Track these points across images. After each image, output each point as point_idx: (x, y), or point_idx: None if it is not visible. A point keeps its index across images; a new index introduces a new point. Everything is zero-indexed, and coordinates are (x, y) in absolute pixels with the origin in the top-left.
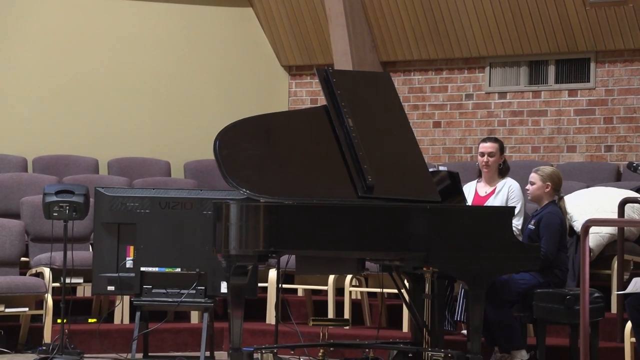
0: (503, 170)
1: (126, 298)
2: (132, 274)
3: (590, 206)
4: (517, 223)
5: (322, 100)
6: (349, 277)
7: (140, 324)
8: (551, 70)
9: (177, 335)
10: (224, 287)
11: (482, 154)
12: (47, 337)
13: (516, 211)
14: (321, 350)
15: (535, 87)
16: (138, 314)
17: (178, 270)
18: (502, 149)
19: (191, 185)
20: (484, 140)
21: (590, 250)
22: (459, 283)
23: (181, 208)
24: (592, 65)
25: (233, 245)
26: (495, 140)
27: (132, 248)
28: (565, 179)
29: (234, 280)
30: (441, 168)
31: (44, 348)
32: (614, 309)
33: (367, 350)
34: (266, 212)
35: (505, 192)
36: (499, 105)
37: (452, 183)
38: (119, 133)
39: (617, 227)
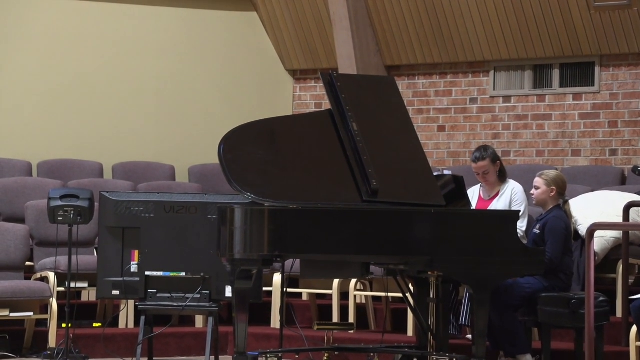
0: (502, 175)
1: (131, 302)
2: (137, 278)
3: (595, 210)
4: (521, 225)
5: (326, 105)
6: (353, 281)
7: (144, 328)
8: (556, 74)
9: (182, 340)
10: (228, 291)
11: (477, 174)
12: (52, 342)
13: (520, 213)
14: (326, 355)
15: (539, 91)
16: (143, 318)
17: (183, 274)
18: (494, 159)
19: (196, 190)
20: (473, 159)
21: (595, 254)
22: (463, 287)
23: (186, 212)
24: (597, 69)
25: (238, 249)
26: (485, 151)
27: (136, 252)
28: (570, 182)
29: (238, 284)
30: (446, 172)
31: (48, 352)
32: (619, 313)
33: (371, 354)
34: (271, 216)
35: (509, 195)
36: (503, 109)
37: (457, 187)
38: (123, 137)
39: (622, 231)
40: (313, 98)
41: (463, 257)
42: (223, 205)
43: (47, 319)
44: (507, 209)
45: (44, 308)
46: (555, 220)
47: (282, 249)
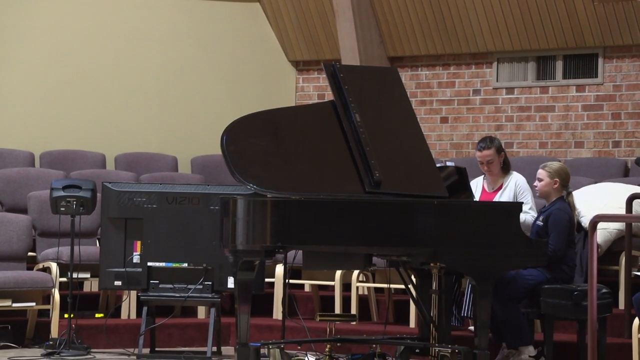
0: (505, 167)
1: (133, 293)
2: (139, 269)
3: (598, 202)
4: (534, 214)
5: (329, 96)
6: (356, 272)
7: (147, 319)
8: (559, 65)
9: (184, 331)
10: (230, 283)
11: (481, 163)
12: (54, 332)
13: (530, 204)
14: (328, 346)
15: (542, 83)
16: (145, 309)
17: (185, 265)
18: (499, 149)
19: (198, 181)
20: (479, 148)
21: (598, 246)
22: (466, 279)
23: (188, 203)
24: (600, 60)
25: (240, 240)
26: (491, 142)
27: (139, 243)
28: (573, 174)
29: (240, 275)
30: (448, 163)
31: (51, 343)
32: (621, 305)
33: (374, 345)
34: (273, 207)
35: (513, 187)
36: (506, 101)
37: (460, 178)
38: (126, 128)
39: (624, 223)
40: (316, 89)
41: (466, 248)
42: (225, 196)
43: (49, 310)
44: (511, 200)
45: (46, 298)
46: (558, 213)
47: (285, 240)
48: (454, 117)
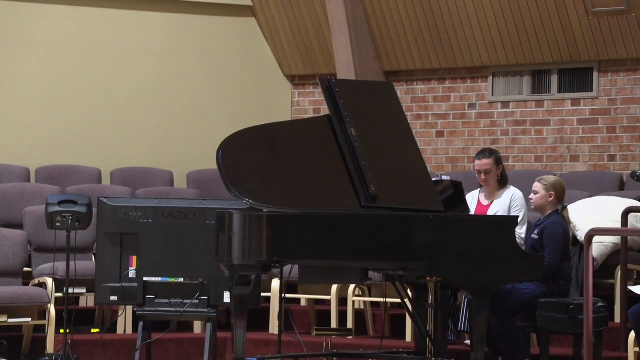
0: (503, 180)
1: (129, 308)
2: (135, 284)
3: (594, 216)
4: (520, 231)
5: (325, 110)
6: (352, 286)
7: (143, 334)
8: (554, 79)
9: (180, 346)
10: (227, 297)
11: (479, 172)
12: (50, 348)
13: (519, 220)
14: None
15: (538, 97)
16: (141, 324)
17: (181, 280)
18: (497, 161)
19: (194, 195)
20: (478, 157)
21: (594, 259)
22: (462, 293)
23: (184, 218)
24: (595, 74)
25: (236, 255)
26: (490, 153)
27: (135, 258)
28: (569, 188)
29: (237, 290)
30: (444, 177)
31: (47, 359)
32: (617, 318)
33: (370, 359)
34: (269, 222)
35: (508, 200)
36: (502, 115)
37: (455, 192)
38: (121, 143)
39: (620, 237)
40: (312, 104)
41: (462, 262)
42: (221, 211)
43: (45, 325)
44: (505, 214)
45: (42, 314)
46: (553, 226)
47: (281, 255)
48: (450, 131)
